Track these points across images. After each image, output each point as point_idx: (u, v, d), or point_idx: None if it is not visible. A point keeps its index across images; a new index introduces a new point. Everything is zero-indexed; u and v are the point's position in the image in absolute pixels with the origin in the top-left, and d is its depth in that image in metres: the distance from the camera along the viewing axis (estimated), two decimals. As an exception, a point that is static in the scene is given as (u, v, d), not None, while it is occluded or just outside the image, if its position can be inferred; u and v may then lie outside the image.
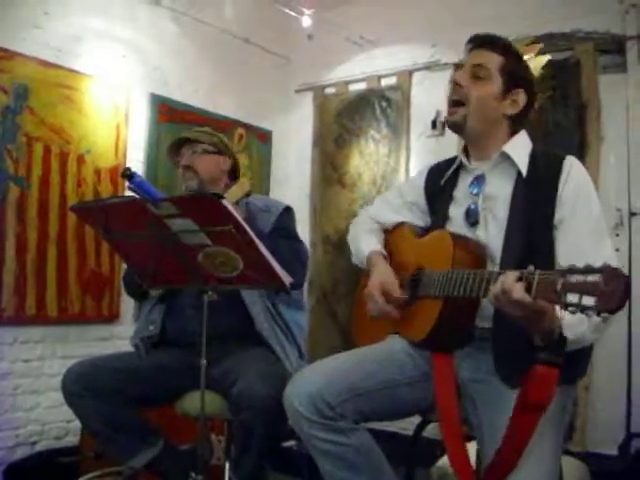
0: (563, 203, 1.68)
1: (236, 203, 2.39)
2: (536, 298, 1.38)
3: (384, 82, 4.31)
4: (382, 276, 1.89)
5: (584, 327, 1.49)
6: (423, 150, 4.06)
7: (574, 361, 1.57)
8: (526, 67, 1.87)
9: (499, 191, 1.79)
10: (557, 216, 1.68)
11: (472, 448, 1.83)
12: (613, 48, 3.41)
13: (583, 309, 1.27)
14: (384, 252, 2.01)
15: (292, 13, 4.16)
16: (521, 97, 1.82)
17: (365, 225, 2.14)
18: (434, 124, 4.00)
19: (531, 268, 1.42)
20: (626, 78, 3.37)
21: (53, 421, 3.23)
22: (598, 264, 1.57)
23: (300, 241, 2.50)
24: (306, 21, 4.16)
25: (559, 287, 1.31)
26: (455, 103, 1.82)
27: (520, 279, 1.42)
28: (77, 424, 2.77)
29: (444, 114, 4.03)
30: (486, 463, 1.64)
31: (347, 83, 4.47)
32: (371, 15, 4.31)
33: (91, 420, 2.21)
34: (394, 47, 4.25)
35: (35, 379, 3.18)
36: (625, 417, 3.18)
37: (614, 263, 1.60)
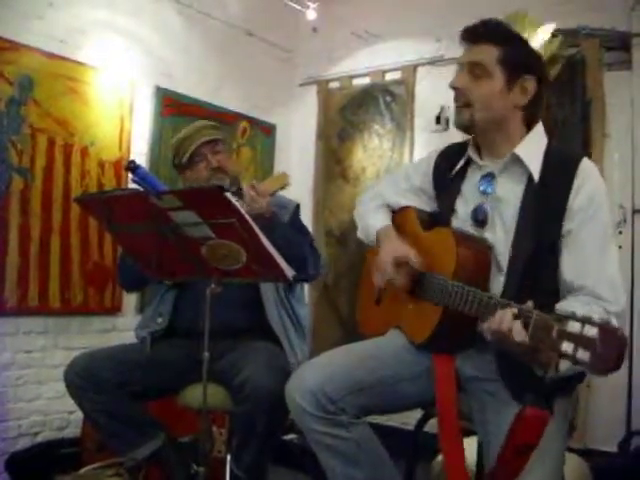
0: (573, 214, 1.64)
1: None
2: (531, 339, 1.36)
3: (388, 76, 4.30)
4: (395, 245, 1.86)
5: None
6: (427, 145, 4.05)
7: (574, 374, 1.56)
8: (529, 49, 1.78)
9: (509, 194, 1.74)
10: (565, 226, 1.64)
11: (471, 443, 1.83)
12: (619, 45, 3.41)
13: (576, 362, 1.25)
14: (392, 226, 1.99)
15: (297, 6, 4.16)
16: (530, 84, 1.72)
17: (373, 202, 2.10)
18: (438, 119, 3.98)
19: (529, 304, 1.40)
20: (631, 75, 3.36)
21: (55, 412, 3.24)
22: (602, 284, 1.58)
23: (312, 238, 2.56)
24: (311, 14, 4.16)
25: (555, 334, 1.29)
26: (461, 105, 1.76)
27: (518, 317, 1.40)
28: (79, 415, 2.78)
29: (449, 109, 4.05)
30: (489, 467, 1.62)
31: (351, 77, 4.46)
32: (376, 9, 4.31)
33: (94, 412, 2.22)
34: (399, 41, 4.24)
35: (37, 370, 3.19)
36: (625, 415, 3.19)
37: (617, 277, 1.61)
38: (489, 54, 1.71)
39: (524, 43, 1.77)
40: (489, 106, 1.72)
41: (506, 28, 1.78)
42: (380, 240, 1.95)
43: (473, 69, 1.73)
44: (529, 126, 1.77)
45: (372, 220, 2.03)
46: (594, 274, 1.60)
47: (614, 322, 1.28)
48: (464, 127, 1.78)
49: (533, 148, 1.73)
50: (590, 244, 1.62)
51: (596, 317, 1.26)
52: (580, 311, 1.35)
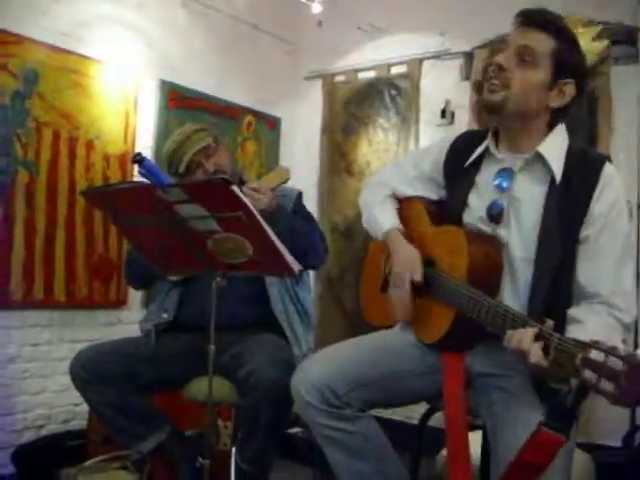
0: (593, 220, 1.60)
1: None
2: (552, 363, 1.34)
3: (393, 70, 4.28)
4: (412, 255, 1.80)
5: None
6: (432, 139, 4.03)
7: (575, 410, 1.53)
8: (580, 54, 1.69)
9: (528, 193, 1.67)
10: (584, 232, 1.61)
11: (476, 438, 1.83)
12: (625, 39, 3.38)
13: (598, 392, 1.23)
14: (401, 228, 1.92)
15: (302, 0, 4.15)
16: (569, 88, 1.65)
17: (380, 192, 2.02)
18: (443, 113, 3.98)
19: (550, 324, 1.39)
20: (638, 69, 3.35)
21: (60, 405, 3.25)
22: (617, 294, 1.57)
23: (317, 223, 2.61)
24: (316, 8, 4.14)
25: (578, 361, 1.27)
26: (497, 84, 1.65)
27: (538, 338, 1.38)
28: (84, 408, 2.79)
29: (453, 103, 4.02)
30: (496, 465, 1.61)
31: (356, 71, 4.45)
32: (381, 3, 4.29)
33: (99, 405, 2.23)
34: (404, 35, 4.23)
35: (43, 363, 3.20)
36: (629, 409, 3.18)
37: (631, 288, 1.60)
38: (543, 43, 1.63)
39: (578, 46, 1.69)
40: (526, 96, 1.64)
41: (566, 24, 1.70)
42: (390, 247, 1.88)
43: (523, 53, 1.63)
44: (551, 127, 1.71)
45: (379, 215, 1.96)
46: (610, 283, 1.58)
47: (639, 355, 1.24)
48: (493, 107, 1.67)
49: (556, 147, 1.68)
50: (608, 252, 1.60)
51: (620, 348, 1.24)
52: (595, 325, 1.39)
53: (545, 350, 1.36)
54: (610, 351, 1.23)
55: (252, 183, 2.28)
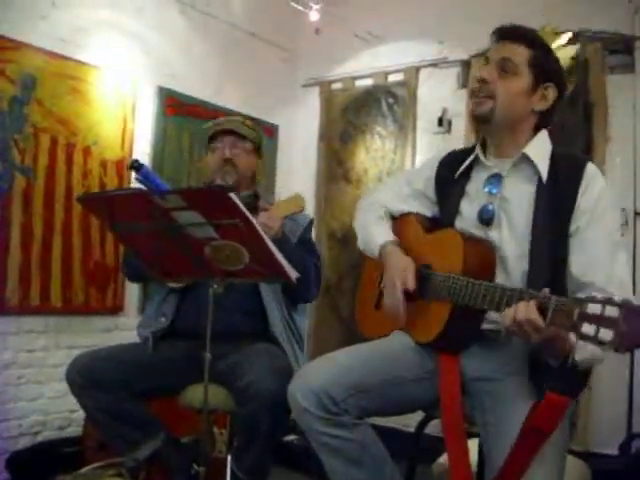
0: (581, 213, 1.67)
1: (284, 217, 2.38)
2: (550, 325, 1.37)
3: (391, 78, 4.30)
4: (405, 264, 1.84)
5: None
6: (429, 147, 4.06)
7: (579, 376, 1.57)
8: (556, 59, 1.81)
9: (517, 194, 1.75)
10: (573, 225, 1.67)
11: (472, 445, 1.82)
12: (621, 48, 3.41)
13: (599, 342, 1.26)
14: (397, 240, 1.97)
15: (300, 7, 4.16)
16: (551, 92, 1.77)
17: (374, 212, 2.07)
18: (440, 121, 3.99)
19: (546, 291, 1.42)
20: (634, 78, 3.37)
21: (56, 411, 3.25)
22: (612, 282, 1.59)
23: (319, 257, 2.54)
24: (314, 15, 4.15)
25: (575, 317, 1.30)
26: (483, 96, 1.76)
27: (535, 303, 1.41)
28: (80, 414, 2.79)
29: (450, 111, 4.03)
30: (490, 473, 1.63)
31: (354, 78, 4.46)
32: (378, 10, 4.30)
33: (95, 411, 2.22)
34: (401, 43, 4.25)
35: (38, 369, 3.20)
36: (626, 417, 3.18)
37: (627, 278, 1.63)
38: (521, 54, 1.74)
39: (552, 52, 1.81)
40: (511, 103, 1.75)
41: (538, 35, 1.84)
42: (384, 257, 1.92)
43: (503, 65, 1.74)
44: (536, 131, 1.81)
45: (374, 233, 2.01)
46: (603, 272, 1.62)
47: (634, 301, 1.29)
48: (482, 118, 1.78)
49: (540, 150, 1.77)
50: (598, 243, 1.65)
51: (616, 298, 1.27)
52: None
53: (544, 315, 1.39)
54: (606, 301, 1.26)
55: (264, 214, 2.27)
